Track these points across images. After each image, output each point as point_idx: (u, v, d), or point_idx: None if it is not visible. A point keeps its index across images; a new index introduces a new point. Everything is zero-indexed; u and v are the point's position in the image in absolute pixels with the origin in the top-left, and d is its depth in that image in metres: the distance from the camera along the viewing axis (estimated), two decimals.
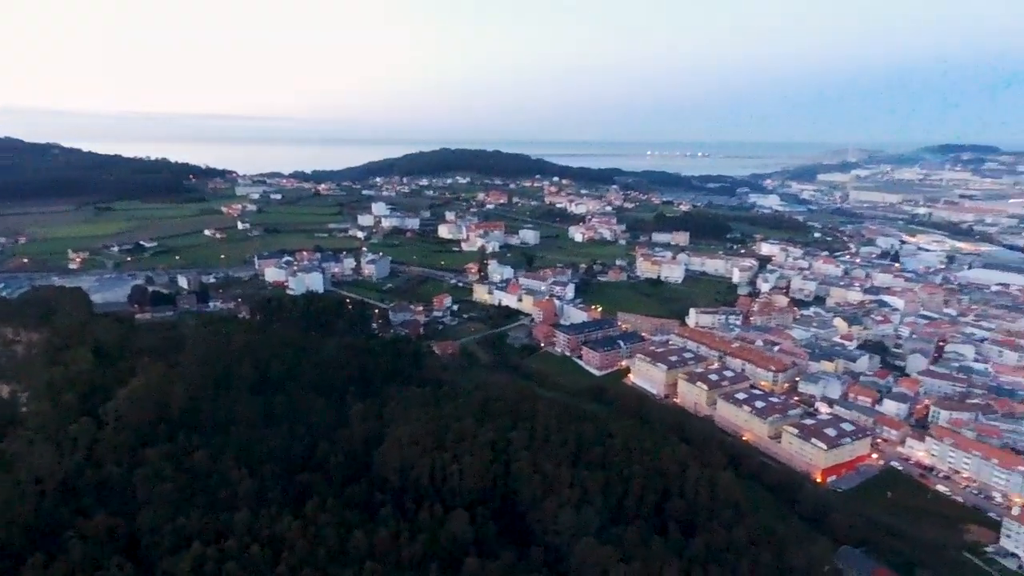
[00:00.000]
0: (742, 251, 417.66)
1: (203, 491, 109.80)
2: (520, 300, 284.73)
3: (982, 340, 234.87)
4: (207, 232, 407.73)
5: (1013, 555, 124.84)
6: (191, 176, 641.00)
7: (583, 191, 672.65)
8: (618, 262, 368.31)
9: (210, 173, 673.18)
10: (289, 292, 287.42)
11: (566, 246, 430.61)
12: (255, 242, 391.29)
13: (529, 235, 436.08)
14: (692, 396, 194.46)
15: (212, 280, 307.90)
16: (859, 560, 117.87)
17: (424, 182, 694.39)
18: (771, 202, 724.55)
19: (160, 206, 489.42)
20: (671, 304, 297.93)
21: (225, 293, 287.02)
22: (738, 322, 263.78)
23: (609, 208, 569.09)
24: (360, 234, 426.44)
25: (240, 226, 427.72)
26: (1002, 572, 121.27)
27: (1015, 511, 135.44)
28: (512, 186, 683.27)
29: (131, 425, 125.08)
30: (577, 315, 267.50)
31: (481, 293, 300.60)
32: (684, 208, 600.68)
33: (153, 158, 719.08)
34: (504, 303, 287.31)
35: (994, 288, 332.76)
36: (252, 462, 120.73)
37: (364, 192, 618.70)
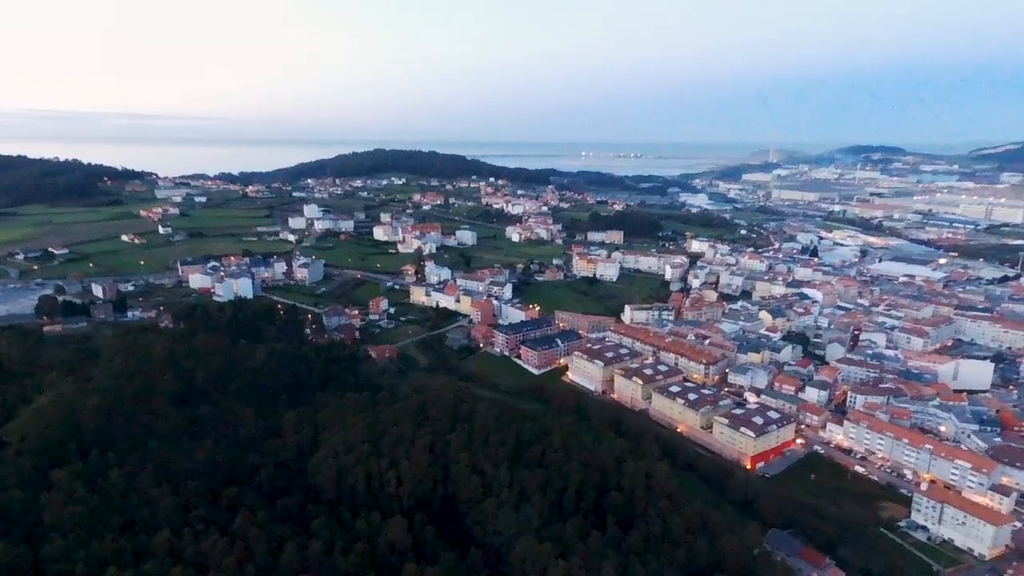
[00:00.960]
0: (674, 249, 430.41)
1: (119, 512, 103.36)
2: (458, 301, 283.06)
3: (892, 328, 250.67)
4: (125, 237, 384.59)
5: (923, 528, 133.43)
6: (106, 178, 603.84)
7: (519, 191, 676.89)
8: (555, 261, 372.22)
9: (127, 175, 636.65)
10: (216, 299, 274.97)
11: (503, 246, 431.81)
12: (178, 247, 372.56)
13: (466, 236, 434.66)
14: (628, 391, 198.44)
15: (131, 288, 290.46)
16: (787, 541, 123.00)
17: (358, 183, 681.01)
18: (700, 201, 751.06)
19: (71, 210, 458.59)
20: (607, 302, 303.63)
21: (145, 302, 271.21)
22: (671, 317, 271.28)
23: (545, 208, 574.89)
24: (292, 237, 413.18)
25: (161, 231, 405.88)
26: (913, 544, 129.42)
27: (924, 487, 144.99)
28: (448, 187, 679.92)
29: (37, 446, 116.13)
30: (515, 315, 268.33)
31: (418, 295, 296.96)
32: (618, 207, 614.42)
33: (63, 159, 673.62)
34: (442, 305, 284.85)
35: (901, 279, 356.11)
36: (174, 478, 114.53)
37: (295, 194, 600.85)
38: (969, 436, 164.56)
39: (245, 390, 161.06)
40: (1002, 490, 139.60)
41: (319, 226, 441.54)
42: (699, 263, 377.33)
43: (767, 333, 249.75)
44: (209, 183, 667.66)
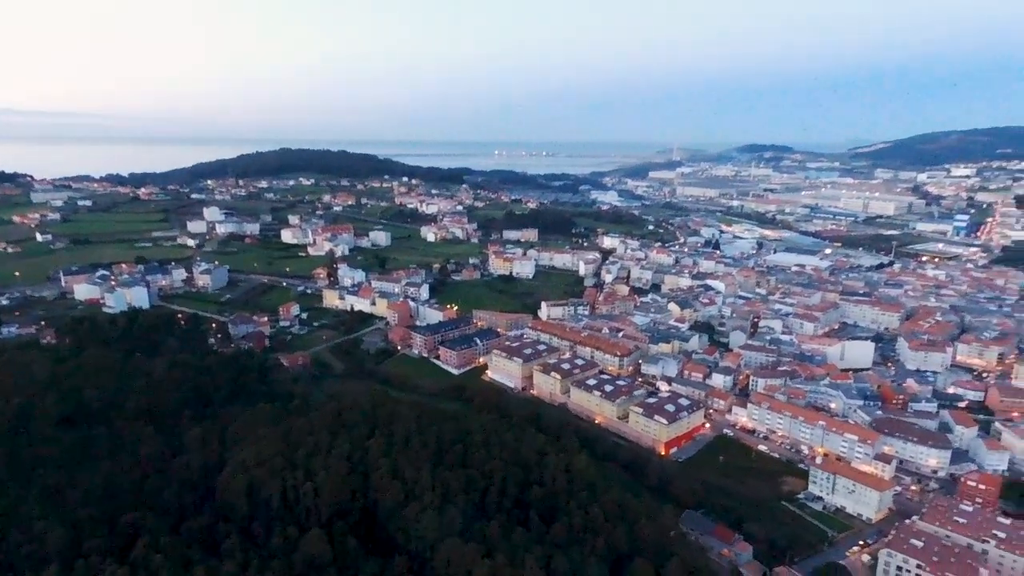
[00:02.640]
0: (586, 245, 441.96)
1: None
2: (374, 304, 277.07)
3: (787, 315, 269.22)
4: None
5: (819, 498, 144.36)
6: None
7: (433, 191, 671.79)
8: (471, 260, 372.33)
9: None
10: (107, 310, 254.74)
11: (419, 246, 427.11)
12: (60, 256, 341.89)
13: (380, 236, 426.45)
14: (547, 386, 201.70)
15: (5, 302, 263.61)
16: (700, 521, 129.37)
17: (263, 184, 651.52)
18: (610, 198, 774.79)
19: None
20: (524, 299, 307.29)
21: (23, 316, 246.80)
22: (586, 312, 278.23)
23: (460, 207, 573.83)
24: (191, 242, 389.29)
25: (40, 238, 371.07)
26: (811, 514, 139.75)
27: (818, 460, 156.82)
28: (360, 187, 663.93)
29: None
30: (433, 315, 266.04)
31: (332, 299, 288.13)
32: (532, 206, 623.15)
33: None
34: (357, 308, 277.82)
35: (794, 269, 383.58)
36: (64, 508, 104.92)
37: (194, 196, 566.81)
38: (855, 411, 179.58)
39: (143, 407, 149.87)
40: (884, 459, 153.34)
41: (222, 230, 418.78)
42: (611, 259, 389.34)
43: (676, 324, 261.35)
44: (95, 185, 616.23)
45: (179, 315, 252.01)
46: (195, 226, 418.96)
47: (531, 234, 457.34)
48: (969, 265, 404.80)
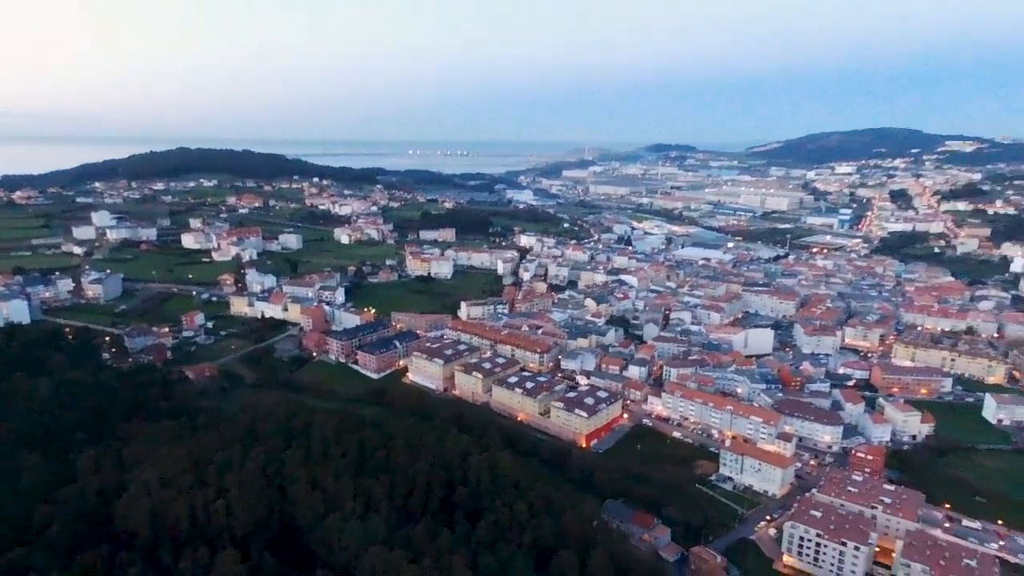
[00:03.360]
0: (504, 244, 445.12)
1: None
2: (286, 309, 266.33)
3: (695, 306, 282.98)
4: None
5: (729, 479, 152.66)
6: None
7: (346, 191, 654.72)
8: (388, 262, 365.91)
9: None
10: None
11: (333, 249, 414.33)
12: None
13: (291, 239, 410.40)
14: (469, 386, 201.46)
15: None
16: (620, 509, 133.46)
17: (159, 186, 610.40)
18: (526, 197, 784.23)
19: None
20: (443, 299, 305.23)
21: None
22: (505, 311, 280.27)
23: (375, 208, 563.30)
24: (78, 249, 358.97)
25: None
26: (723, 494, 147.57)
27: (728, 443, 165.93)
28: (268, 188, 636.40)
29: None
30: (350, 319, 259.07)
31: (240, 306, 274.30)
32: (449, 205, 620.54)
33: None
34: (268, 314, 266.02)
35: (700, 262, 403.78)
36: None
37: (80, 199, 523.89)
38: (759, 394, 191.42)
39: (27, 432, 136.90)
40: (785, 437, 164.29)
41: (113, 235, 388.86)
42: (528, 257, 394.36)
43: (593, 319, 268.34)
44: None
45: (67, 329, 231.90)
46: (82, 232, 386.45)
47: (448, 234, 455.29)
48: (853, 255, 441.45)
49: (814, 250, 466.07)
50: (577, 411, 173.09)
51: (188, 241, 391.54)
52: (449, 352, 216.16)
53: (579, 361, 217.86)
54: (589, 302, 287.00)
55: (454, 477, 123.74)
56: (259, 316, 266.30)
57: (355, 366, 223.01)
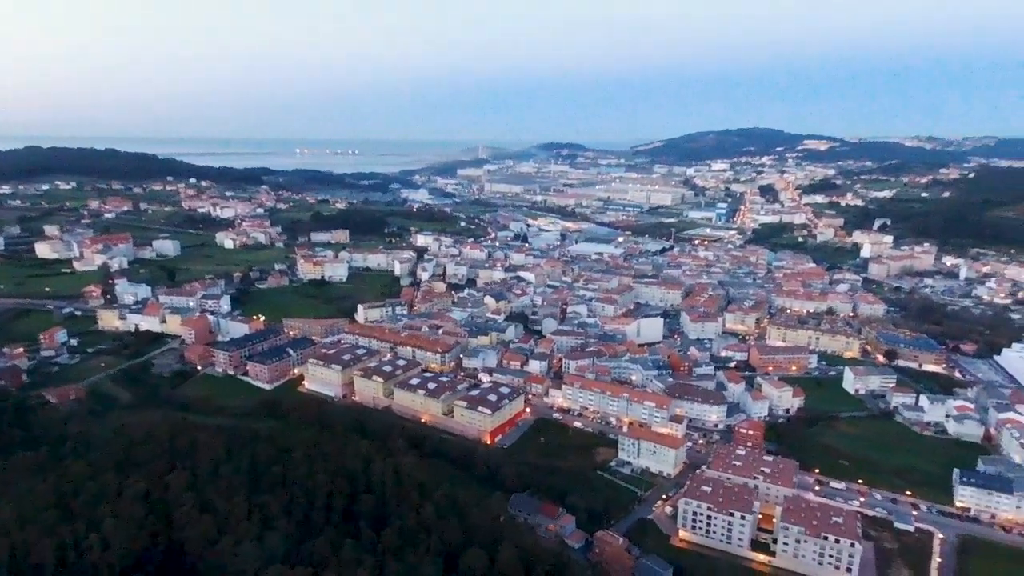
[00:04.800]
0: (401, 244, 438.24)
1: None
2: (164, 321, 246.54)
3: (590, 299, 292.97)
4: None
5: (627, 463, 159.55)
6: None
7: (229, 193, 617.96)
8: (277, 266, 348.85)
9: None
10: None
11: (215, 254, 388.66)
12: None
13: (167, 246, 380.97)
14: (370, 391, 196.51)
15: None
16: (526, 502, 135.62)
17: (6, 189, 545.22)
18: (421, 196, 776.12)
19: None
20: (339, 303, 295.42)
21: None
22: (405, 312, 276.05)
23: (261, 210, 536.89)
24: None
25: None
26: (622, 478, 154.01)
27: (625, 429, 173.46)
28: (137, 190, 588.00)
29: None
30: (237, 328, 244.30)
31: (110, 320, 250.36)
32: (341, 206, 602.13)
33: None
34: (143, 327, 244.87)
35: (593, 257, 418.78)
36: None
37: None
38: (652, 380, 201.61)
39: None
40: (677, 419, 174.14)
41: None
42: (426, 256, 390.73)
43: (493, 316, 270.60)
44: None
45: None
46: None
47: (342, 235, 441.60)
48: (730, 246, 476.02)
49: (696, 242, 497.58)
50: (480, 409, 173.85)
51: (44, 250, 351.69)
52: (347, 357, 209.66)
53: (481, 359, 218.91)
54: (488, 300, 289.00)
55: (357, 485, 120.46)
56: (132, 330, 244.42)
57: (245, 378, 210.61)
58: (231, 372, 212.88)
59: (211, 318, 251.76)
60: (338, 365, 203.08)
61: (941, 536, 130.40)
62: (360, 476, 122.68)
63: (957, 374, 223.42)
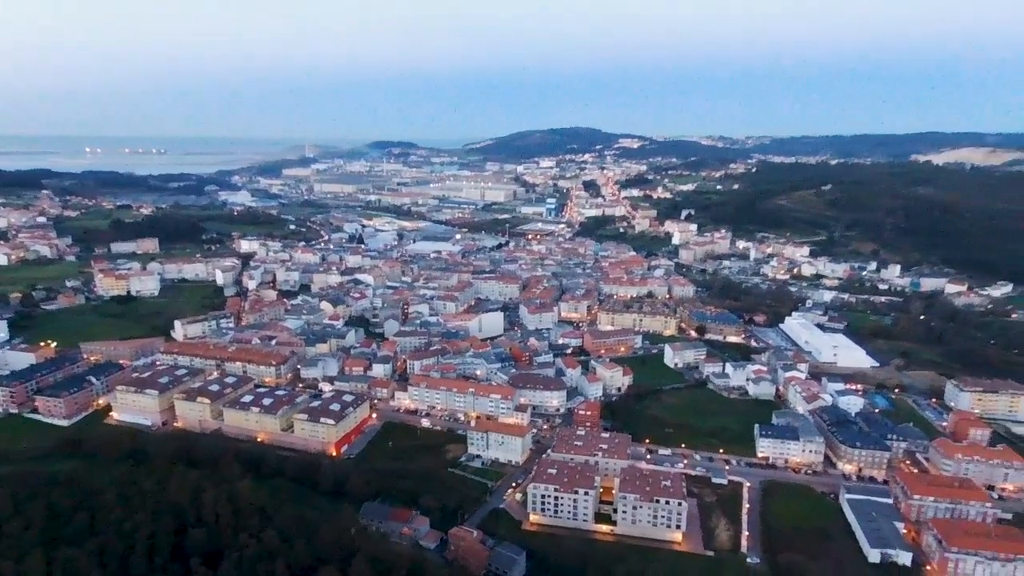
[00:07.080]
0: (222, 251, 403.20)
1: None
2: None
3: (431, 298, 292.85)
4: None
5: (477, 456, 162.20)
6: None
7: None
8: (69, 283, 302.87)
9: None
10: None
11: None
12: None
13: None
14: (195, 415, 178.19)
15: None
16: (378, 510, 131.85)
17: None
18: (242, 198, 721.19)
19: None
20: (151, 320, 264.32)
21: None
22: (231, 325, 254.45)
23: (43, 219, 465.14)
24: None
25: None
26: (473, 472, 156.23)
27: (473, 423, 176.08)
28: None
29: None
30: (20, 359, 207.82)
31: None
32: (147, 211, 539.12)
33: None
34: None
35: (432, 255, 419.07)
36: None
37: None
38: (496, 373, 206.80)
39: None
40: (522, 409, 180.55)
41: None
42: (252, 263, 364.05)
43: (331, 322, 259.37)
44: None
45: None
46: None
47: (150, 244, 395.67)
48: (560, 239, 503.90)
49: (529, 237, 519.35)
50: (323, 420, 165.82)
51: None
52: (165, 380, 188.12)
53: (320, 368, 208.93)
54: (325, 305, 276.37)
55: (186, 520, 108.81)
56: None
57: (35, 415, 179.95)
58: (14, 411, 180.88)
59: None
60: (154, 390, 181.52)
61: (748, 484, 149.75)
62: (188, 509, 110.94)
63: (753, 342, 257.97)
